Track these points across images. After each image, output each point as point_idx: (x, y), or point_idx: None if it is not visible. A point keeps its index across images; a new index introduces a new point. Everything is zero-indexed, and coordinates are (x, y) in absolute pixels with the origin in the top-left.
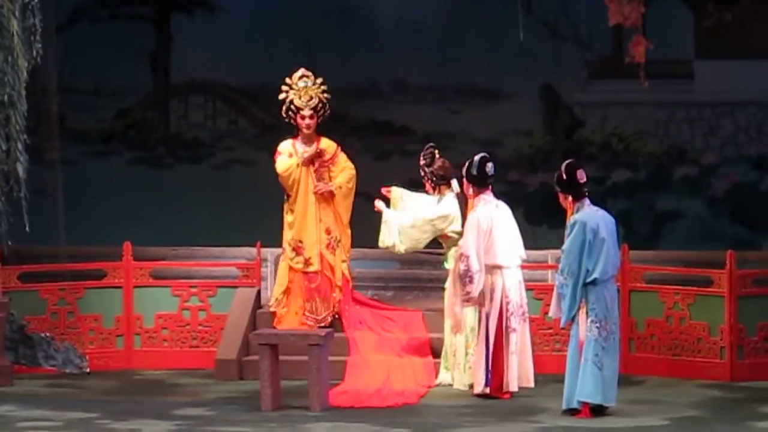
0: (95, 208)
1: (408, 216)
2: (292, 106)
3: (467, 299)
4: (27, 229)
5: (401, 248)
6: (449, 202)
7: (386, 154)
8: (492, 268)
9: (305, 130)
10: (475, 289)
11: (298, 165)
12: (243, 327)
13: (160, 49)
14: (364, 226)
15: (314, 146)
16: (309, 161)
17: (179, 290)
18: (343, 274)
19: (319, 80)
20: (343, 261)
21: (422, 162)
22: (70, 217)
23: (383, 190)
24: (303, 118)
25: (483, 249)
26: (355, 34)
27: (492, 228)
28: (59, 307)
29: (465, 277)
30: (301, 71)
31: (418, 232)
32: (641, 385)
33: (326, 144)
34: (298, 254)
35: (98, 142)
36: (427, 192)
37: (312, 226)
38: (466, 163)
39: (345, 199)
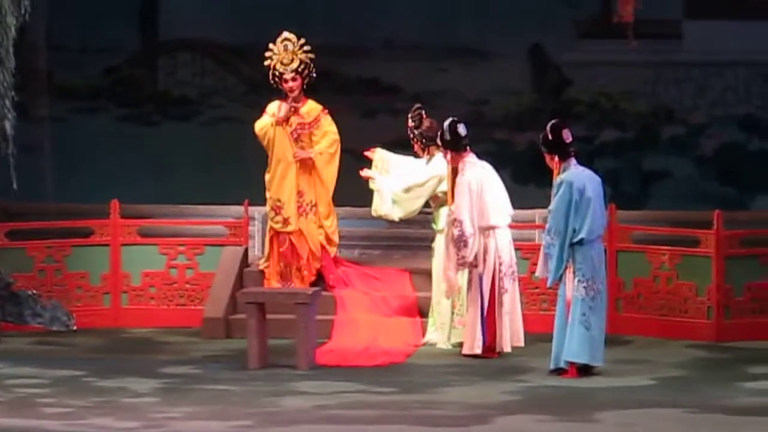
0: (84, 165)
1: (399, 182)
2: (275, 71)
3: (462, 263)
4: (14, 186)
5: (396, 216)
6: (439, 162)
7: (373, 112)
8: (484, 230)
9: (290, 93)
10: (469, 253)
11: (272, 125)
12: (230, 285)
13: (149, 6)
14: (351, 184)
15: (287, 106)
16: (282, 120)
17: (166, 248)
18: (324, 239)
19: (301, 41)
20: (321, 227)
21: (410, 124)
22: (58, 175)
23: (366, 152)
24: (286, 81)
25: (476, 212)
26: None
27: (482, 189)
28: (46, 265)
29: (459, 242)
30: (284, 35)
31: (413, 197)
32: (628, 345)
33: (309, 107)
34: (276, 213)
35: (86, 98)
36: (416, 154)
37: (289, 186)
38: (439, 132)
39: (327, 164)
